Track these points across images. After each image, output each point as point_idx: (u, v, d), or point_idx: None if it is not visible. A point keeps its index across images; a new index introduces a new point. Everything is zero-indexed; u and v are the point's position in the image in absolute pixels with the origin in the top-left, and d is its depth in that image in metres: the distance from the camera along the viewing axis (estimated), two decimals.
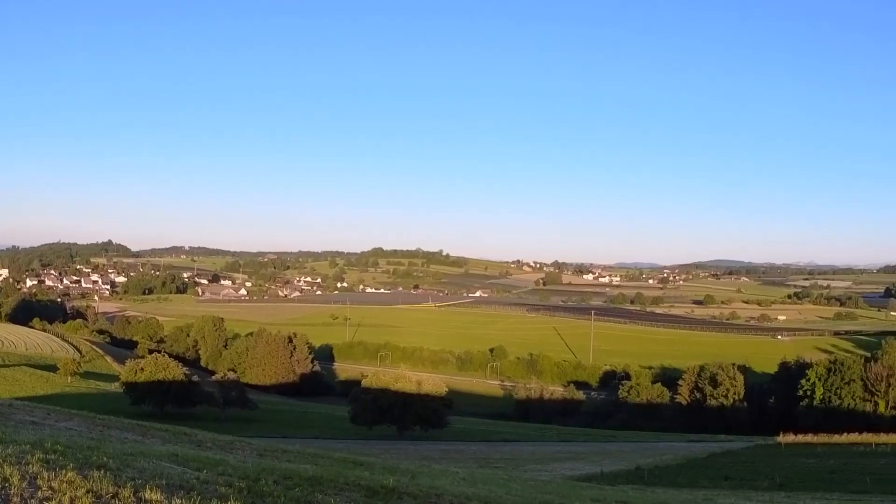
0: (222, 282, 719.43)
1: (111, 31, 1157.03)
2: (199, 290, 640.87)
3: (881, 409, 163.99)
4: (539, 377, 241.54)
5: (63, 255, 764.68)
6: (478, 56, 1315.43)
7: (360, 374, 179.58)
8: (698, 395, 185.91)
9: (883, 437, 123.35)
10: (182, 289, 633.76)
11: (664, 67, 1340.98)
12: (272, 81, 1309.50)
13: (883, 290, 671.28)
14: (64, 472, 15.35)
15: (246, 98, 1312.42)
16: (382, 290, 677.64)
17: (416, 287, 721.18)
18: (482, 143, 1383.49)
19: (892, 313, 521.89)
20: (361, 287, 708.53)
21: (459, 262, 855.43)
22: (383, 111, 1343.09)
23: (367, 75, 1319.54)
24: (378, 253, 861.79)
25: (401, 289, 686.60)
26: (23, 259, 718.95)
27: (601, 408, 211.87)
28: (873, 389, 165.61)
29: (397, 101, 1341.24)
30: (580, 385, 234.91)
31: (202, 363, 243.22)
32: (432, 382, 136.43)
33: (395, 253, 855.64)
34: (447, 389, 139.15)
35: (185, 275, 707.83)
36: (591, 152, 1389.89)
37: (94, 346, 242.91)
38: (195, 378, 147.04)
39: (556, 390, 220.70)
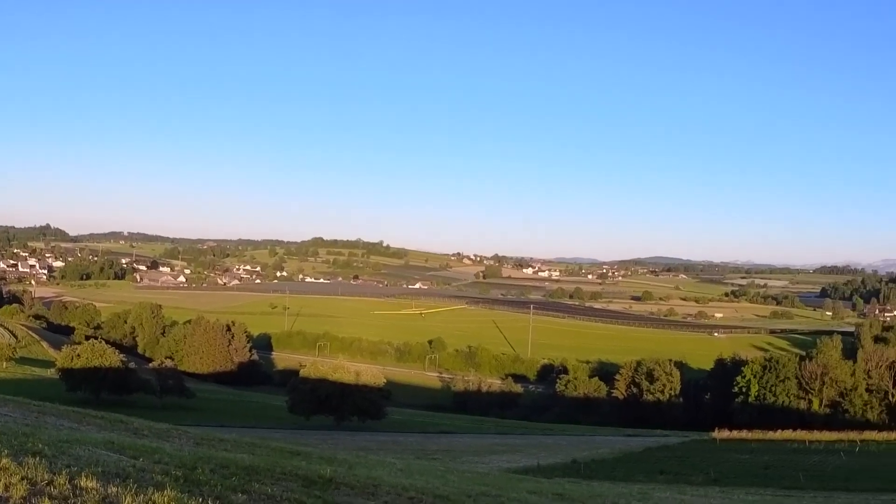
0: (161, 268, 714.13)
1: (50, 13, 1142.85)
2: (138, 277, 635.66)
3: (815, 406, 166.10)
4: (477, 370, 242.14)
5: (0, 239, 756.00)
6: (422, 49, 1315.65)
7: (299, 363, 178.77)
8: (635, 390, 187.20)
9: (816, 435, 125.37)
10: (120, 275, 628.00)
11: (605, 63, 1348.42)
12: (214, 69, 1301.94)
13: (819, 290, 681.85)
14: None
15: (186, 84, 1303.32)
16: (322, 280, 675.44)
17: (355, 277, 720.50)
18: (423, 135, 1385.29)
19: (828, 313, 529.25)
20: (301, 276, 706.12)
21: (400, 253, 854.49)
22: (326, 101, 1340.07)
23: (310, 65, 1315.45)
24: (318, 242, 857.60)
25: (340, 279, 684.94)
26: None
27: (538, 401, 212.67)
28: (807, 387, 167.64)
29: (339, 92, 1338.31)
30: (518, 378, 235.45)
31: (139, 350, 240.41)
32: (371, 373, 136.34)
33: (335, 243, 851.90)
34: (385, 380, 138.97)
35: (123, 261, 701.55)
36: (532, 147, 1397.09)
37: (30, 332, 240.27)
38: (132, 365, 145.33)
39: (494, 383, 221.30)
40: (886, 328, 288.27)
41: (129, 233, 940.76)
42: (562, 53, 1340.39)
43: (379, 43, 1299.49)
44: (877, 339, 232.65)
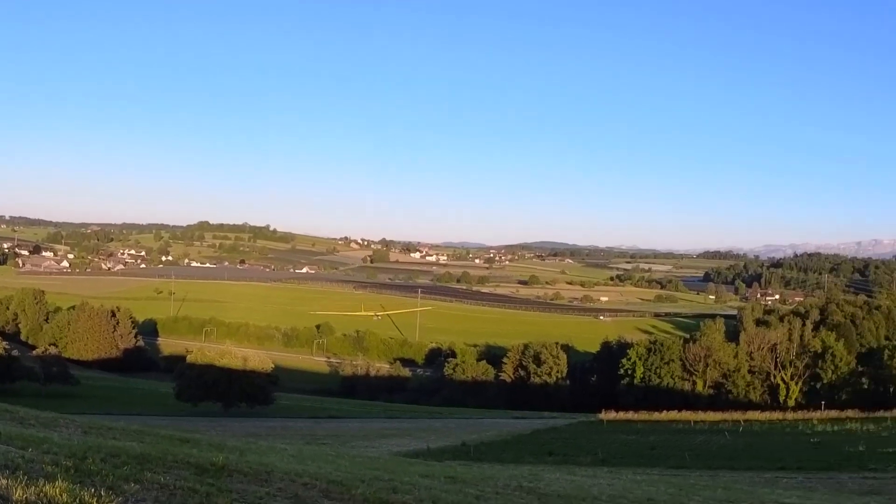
0: (44, 253, 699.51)
1: None
2: (20, 262, 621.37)
3: (699, 388, 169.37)
4: (365, 354, 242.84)
5: None
6: (306, 30, 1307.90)
7: (185, 349, 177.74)
8: (522, 373, 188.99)
9: (700, 415, 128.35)
10: (1, 260, 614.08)
11: (486, 46, 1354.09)
12: (97, 49, 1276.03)
13: (702, 275, 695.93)
14: None
15: (69, 62, 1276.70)
16: (208, 265, 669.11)
17: (242, 262, 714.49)
18: (308, 117, 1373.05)
19: (711, 297, 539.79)
20: (186, 261, 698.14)
21: (287, 237, 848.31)
22: (210, 82, 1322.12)
23: (194, 45, 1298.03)
24: (204, 226, 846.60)
25: (226, 263, 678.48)
26: None
27: (427, 385, 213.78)
28: (691, 369, 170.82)
29: (223, 73, 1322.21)
30: (406, 362, 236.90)
31: (22, 337, 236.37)
32: (258, 358, 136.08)
33: (221, 227, 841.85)
34: (273, 366, 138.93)
35: (5, 245, 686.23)
36: (417, 131, 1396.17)
37: None
38: (15, 353, 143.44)
39: (382, 367, 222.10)
40: (768, 311, 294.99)
41: (10, 216, 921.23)
42: (451, 41, 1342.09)
43: (256, 24, 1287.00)
44: (758, 322, 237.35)
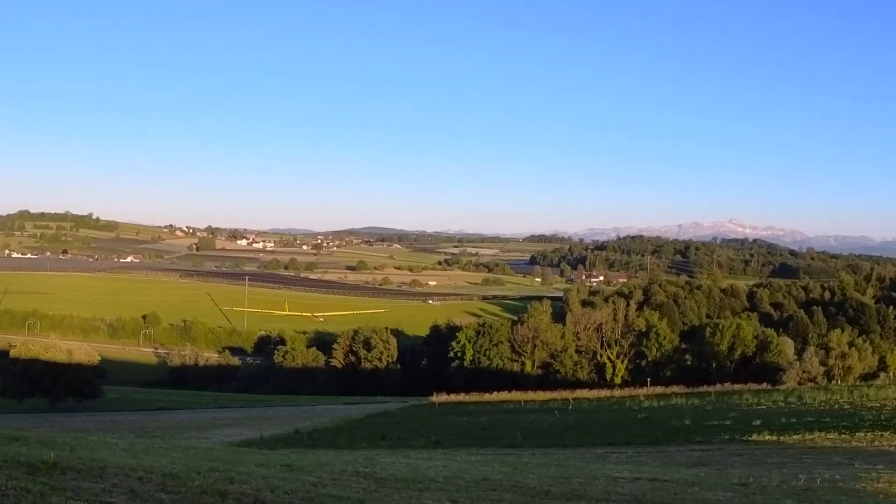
0: None
1: None
2: None
3: (528, 368, 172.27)
4: (193, 343, 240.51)
5: None
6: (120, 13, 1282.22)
7: (8, 343, 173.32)
8: (353, 359, 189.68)
9: (530, 395, 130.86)
10: None
11: (315, 31, 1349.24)
12: None
13: (528, 258, 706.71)
14: None
15: None
16: (30, 256, 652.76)
17: (64, 252, 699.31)
18: (129, 101, 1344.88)
19: (537, 279, 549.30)
20: (7, 252, 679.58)
21: (110, 226, 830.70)
22: (24, 65, 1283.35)
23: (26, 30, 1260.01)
24: (24, 216, 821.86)
25: (49, 254, 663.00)
26: None
27: (257, 373, 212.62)
28: (520, 350, 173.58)
29: (37, 56, 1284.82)
30: (235, 351, 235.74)
31: None
32: (84, 351, 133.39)
33: (42, 216, 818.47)
34: (100, 358, 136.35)
35: None
36: (242, 116, 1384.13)
37: None
38: None
39: (211, 356, 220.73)
40: (593, 293, 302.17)
41: None
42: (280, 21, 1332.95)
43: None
44: (584, 303, 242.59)
